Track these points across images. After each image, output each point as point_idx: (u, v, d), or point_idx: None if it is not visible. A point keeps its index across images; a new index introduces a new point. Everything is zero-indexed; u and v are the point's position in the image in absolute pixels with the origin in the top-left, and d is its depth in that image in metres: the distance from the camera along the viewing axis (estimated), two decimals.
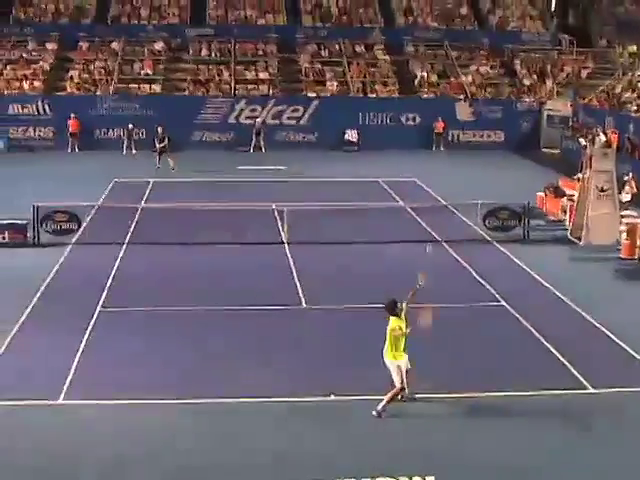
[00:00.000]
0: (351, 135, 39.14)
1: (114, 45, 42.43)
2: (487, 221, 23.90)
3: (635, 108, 35.99)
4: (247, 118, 39.22)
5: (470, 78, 42.23)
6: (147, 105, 38.74)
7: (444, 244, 22.68)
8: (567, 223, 24.68)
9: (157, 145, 33.64)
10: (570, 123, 39.52)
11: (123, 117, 38.08)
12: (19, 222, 22.58)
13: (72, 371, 14.40)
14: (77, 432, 12.53)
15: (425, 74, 42.04)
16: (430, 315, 13.22)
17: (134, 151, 37.26)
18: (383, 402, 12.88)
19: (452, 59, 43.43)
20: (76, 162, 35.18)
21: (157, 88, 40.62)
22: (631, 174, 26.66)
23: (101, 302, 17.93)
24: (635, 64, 41.20)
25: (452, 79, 42.28)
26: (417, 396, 13.36)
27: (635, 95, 37.57)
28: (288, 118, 39.63)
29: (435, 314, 13.34)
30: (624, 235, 22.14)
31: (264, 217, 24.28)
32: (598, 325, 16.87)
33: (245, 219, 23.95)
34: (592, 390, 13.97)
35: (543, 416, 13.15)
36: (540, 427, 12.71)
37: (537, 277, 20.04)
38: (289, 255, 21.63)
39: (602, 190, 23.00)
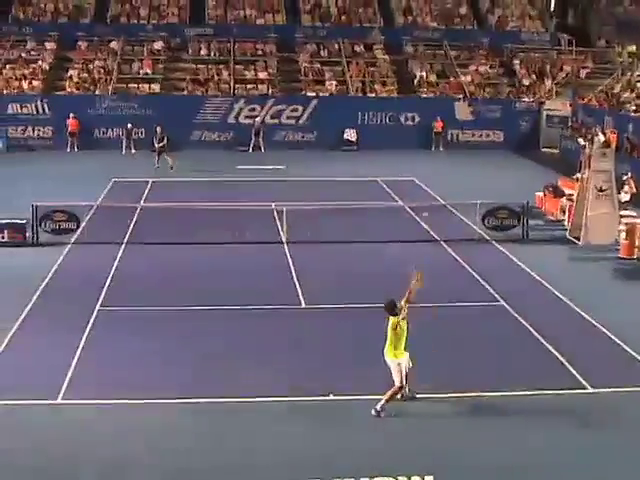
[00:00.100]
0: (350, 135, 39.15)
1: (113, 45, 42.42)
2: (486, 221, 23.91)
3: (634, 108, 36.00)
4: (246, 118, 39.22)
5: (469, 78, 42.24)
6: (146, 105, 38.75)
7: (443, 244, 22.72)
8: (566, 223, 24.69)
9: (156, 145, 33.66)
10: (569, 123, 39.53)
11: (122, 117, 38.07)
12: (18, 222, 22.57)
13: (71, 370, 14.40)
14: (76, 432, 12.52)
15: (424, 74, 42.04)
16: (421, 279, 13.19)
17: (133, 151, 37.27)
18: (382, 401, 12.88)
19: (451, 59, 43.43)
20: (75, 162, 35.17)
21: (156, 88, 40.62)
22: (630, 174, 26.68)
23: (100, 301, 17.94)
24: (634, 64, 41.20)
25: (451, 79, 42.28)
26: (417, 395, 13.39)
27: (634, 95, 37.59)
28: (287, 118, 39.63)
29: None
30: (623, 235, 22.16)
31: (263, 217, 24.28)
32: (597, 325, 16.88)
33: (244, 219, 23.94)
34: (591, 390, 13.98)
35: (541, 416, 13.16)
36: (539, 427, 12.71)
37: (536, 277, 20.05)
38: (288, 255, 21.63)
39: (601, 190, 23.02)
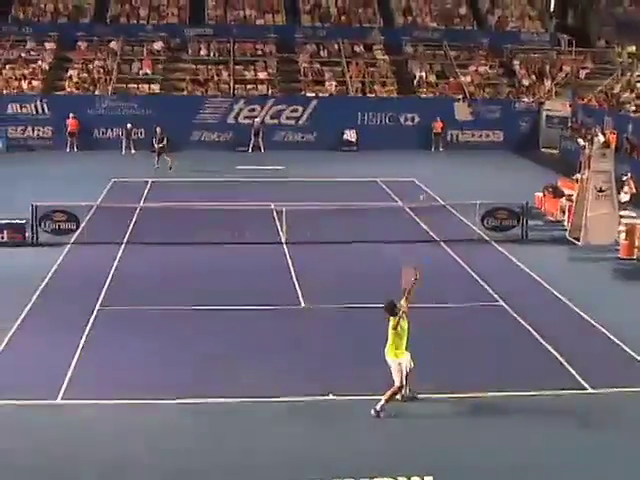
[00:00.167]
0: (350, 135, 39.13)
1: (113, 45, 42.40)
2: (486, 221, 23.91)
3: (634, 108, 36.02)
4: (246, 118, 39.20)
5: (469, 78, 42.22)
6: (146, 105, 38.73)
7: (442, 244, 22.72)
8: (566, 223, 24.70)
9: (156, 145, 33.67)
10: (569, 123, 39.53)
11: (122, 117, 38.04)
12: (18, 222, 22.58)
13: (71, 370, 14.41)
14: (76, 432, 12.53)
15: (424, 74, 42.04)
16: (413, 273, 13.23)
17: (133, 151, 37.26)
18: (381, 401, 12.89)
19: (451, 59, 43.43)
20: (75, 162, 35.16)
21: (156, 88, 40.59)
22: (630, 174, 26.68)
23: (100, 301, 17.94)
24: (634, 64, 41.21)
25: (451, 79, 42.27)
26: (418, 396, 13.39)
27: (634, 95, 37.60)
28: (287, 118, 39.61)
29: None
30: (622, 235, 22.18)
31: (263, 217, 24.29)
32: (596, 325, 16.90)
33: (244, 219, 23.93)
34: (590, 390, 13.99)
35: (541, 416, 13.17)
36: (539, 427, 12.72)
37: (535, 277, 20.06)
38: (288, 255, 21.64)
39: (601, 190, 23.04)
